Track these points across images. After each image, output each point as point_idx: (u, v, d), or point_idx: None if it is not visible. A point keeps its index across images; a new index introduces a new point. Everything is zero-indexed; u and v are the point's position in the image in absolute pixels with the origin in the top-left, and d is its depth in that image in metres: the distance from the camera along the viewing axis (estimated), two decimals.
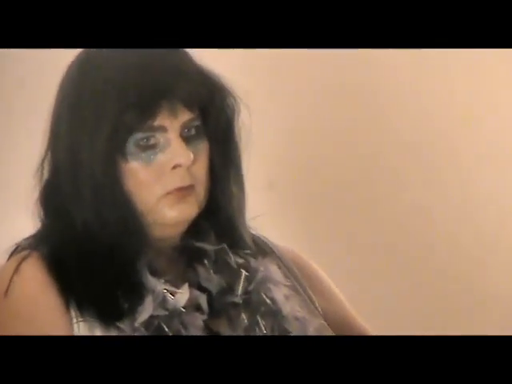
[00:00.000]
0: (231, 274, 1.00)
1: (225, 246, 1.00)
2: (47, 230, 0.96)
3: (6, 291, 0.89)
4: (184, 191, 0.95)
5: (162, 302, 0.91)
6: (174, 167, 0.93)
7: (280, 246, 1.14)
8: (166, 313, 0.91)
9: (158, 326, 0.90)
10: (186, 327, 0.92)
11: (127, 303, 0.90)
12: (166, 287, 0.92)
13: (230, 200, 1.02)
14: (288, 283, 1.03)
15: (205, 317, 0.95)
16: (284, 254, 1.12)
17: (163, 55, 0.97)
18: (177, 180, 0.94)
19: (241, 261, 1.01)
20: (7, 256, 0.97)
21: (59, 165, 0.96)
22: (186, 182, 0.95)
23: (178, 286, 0.93)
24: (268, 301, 0.99)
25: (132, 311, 0.89)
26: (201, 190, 0.97)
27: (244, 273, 1.00)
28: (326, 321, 1.06)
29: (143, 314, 0.89)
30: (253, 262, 1.02)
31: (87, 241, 0.93)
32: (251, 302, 0.99)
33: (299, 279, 1.09)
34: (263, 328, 0.98)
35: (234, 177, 1.02)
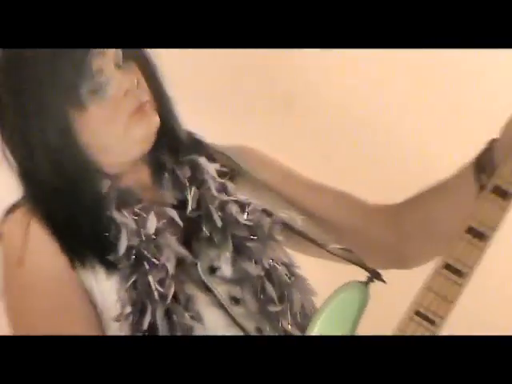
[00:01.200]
0: (182, 189, 1.08)
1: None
2: (26, 193, 1.04)
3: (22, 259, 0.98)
4: (143, 107, 1.02)
5: (135, 232, 0.98)
6: (125, 94, 1.00)
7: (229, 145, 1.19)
8: (142, 239, 0.97)
9: (138, 253, 0.97)
10: (161, 249, 0.98)
11: (108, 239, 0.98)
12: (135, 217, 0.99)
13: (170, 109, 1.11)
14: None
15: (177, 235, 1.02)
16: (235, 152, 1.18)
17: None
18: (134, 100, 1.01)
19: (189, 174, 1.09)
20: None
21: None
22: (144, 98, 1.03)
23: (151, 208, 1.01)
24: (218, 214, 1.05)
25: (115, 245, 0.97)
26: (153, 104, 1.05)
27: (194, 189, 1.06)
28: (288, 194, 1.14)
29: (122, 245, 0.97)
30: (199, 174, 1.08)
31: (57, 195, 1.01)
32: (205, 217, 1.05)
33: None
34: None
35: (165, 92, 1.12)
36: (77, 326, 0.97)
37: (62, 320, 0.98)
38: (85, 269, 0.99)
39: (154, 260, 0.97)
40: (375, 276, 0.98)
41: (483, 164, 0.96)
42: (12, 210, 1.04)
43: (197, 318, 0.99)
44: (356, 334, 0.98)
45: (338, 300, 0.95)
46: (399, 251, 1.14)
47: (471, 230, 0.86)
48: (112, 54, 1.01)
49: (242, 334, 1.00)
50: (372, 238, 1.15)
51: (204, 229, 1.04)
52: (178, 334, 0.97)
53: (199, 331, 0.97)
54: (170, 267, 0.97)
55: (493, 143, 0.96)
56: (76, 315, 0.98)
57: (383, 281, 0.98)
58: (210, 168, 1.09)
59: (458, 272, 0.87)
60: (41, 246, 0.99)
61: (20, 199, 1.05)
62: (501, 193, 0.86)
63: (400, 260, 1.14)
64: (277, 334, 1.04)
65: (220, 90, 1.85)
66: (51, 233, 0.99)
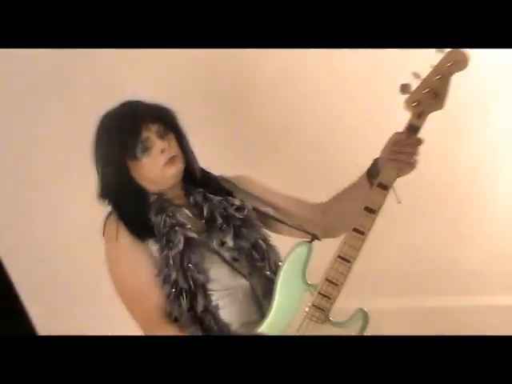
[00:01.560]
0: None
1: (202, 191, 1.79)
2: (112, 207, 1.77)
3: (116, 238, 1.67)
4: (172, 159, 1.70)
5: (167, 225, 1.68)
6: (162, 151, 1.68)
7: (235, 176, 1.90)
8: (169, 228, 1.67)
9: (167, 236, 1.66)
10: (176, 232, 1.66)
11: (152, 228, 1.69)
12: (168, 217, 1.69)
13: (193, 161, 1.81)
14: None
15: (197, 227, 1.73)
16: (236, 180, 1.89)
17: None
18: (167, 155, 1.69)
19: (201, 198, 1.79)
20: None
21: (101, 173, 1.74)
22: (171, 154, 1.70)
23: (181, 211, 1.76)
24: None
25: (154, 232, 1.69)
26: (180, 157, 1.74)
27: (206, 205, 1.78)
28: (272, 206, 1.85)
29: (159, 232, 1.68)
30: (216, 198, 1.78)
31: (125, 205, 1.73)
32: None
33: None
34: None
35: (190, 149, 1.81)
36: (148, 276, 1.65)
37: (141, 272, 1.65)
38: (144, 242, 1.69)
39: (173, 240, 1.66)
40: (315, 237, 1.66)
41: (372, 172, 1.67)
42: (109, 214, 1.76)
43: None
44: (352, 335, 1.56)
45: (294, 252, 1.62)
46: (328, 227, 1.83)
47: (367, 208, 1.55)
48: (155, 128, 1.71)
49: (241, 278, 1.69)
50: (312, 220, 1.82)
51: (217, 222, 1.74)
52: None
53: (213, 274, 1.65)
54: (181, 244, 1.65)
55: (377, 160, 1.68)
56: (148, 270, 1.66)
57: (319, 239, 1.67)
58: (215, 197, 1.79)
59: (360, 232, 1.55)
60: (122, 231, 1.69)
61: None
62: (382, 186, 1.57)
63: (329, 232, 1.80)
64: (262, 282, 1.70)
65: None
66: (124, 224, 1.70)
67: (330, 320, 1.57)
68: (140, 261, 1.69)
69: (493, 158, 3.01)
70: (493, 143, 2.99)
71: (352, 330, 1.56)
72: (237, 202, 1.78)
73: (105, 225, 1.75)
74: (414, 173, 1.64)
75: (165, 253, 1.66)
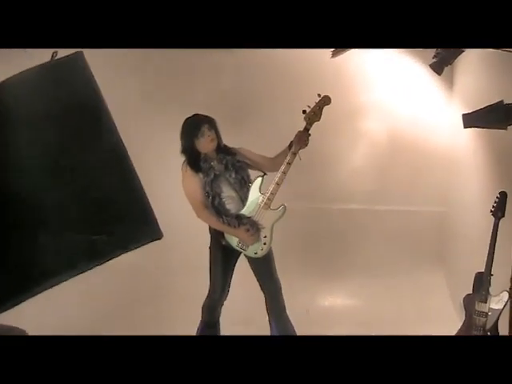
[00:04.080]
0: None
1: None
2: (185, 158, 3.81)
3: (186, 171, 3.76)
4: (212, 140, 3.72)
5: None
6: (208, 136, 3.75)
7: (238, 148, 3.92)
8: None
9: (208, 170, 3.74)
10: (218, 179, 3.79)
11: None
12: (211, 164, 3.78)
13: (221, 142, 3.81)
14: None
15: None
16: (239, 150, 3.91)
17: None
18: (210, 138, 3.74)
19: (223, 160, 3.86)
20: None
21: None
22: (212, 137, 3.72)
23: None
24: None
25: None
26: (215, 139, 3.77)
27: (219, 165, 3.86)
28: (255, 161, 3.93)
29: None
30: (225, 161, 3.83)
31: (190, 158, 3.78)
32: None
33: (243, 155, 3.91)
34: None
35: (220, 137, 3.84)
36: (198, 188, 3.75)
37: (194, 186, 3.71)
38: (197, 174, 3.76)
39: (209, 173, 3.75)
40: (264, 173, 3.85)
41: (290, 146, 3.76)
42: (184, 162, 3.75)
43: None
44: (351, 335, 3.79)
45: (256, 181, 3.81)
46: (272, 169, 3.82)
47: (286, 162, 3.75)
48: (207, 126, 3.70)
49: (235, 192, 3.88)
50: (267, 165, 3.92)
51: (229, 166, 3.79)
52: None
53: (224, 191, 3.81)
54: (212, 176, 3.74)
55: (291, 141, 3.78)
56: (197, 185, 3.74)
57: (266, 174, 3.85)
58: (227, 156, 3.80)
59: (283, 172, 3.73)
60: (188, 168, 3.74)
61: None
62: (293, 153, 3.75)
63: (272, 170, 3.79)
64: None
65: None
66: (189, 164, 3.74)
67: (270, 208, 3.76)
68: (194, 180, 3.71)
69: None
70: None
71: (279, 214, 3.75)
72: (237, 158, 3.84)
73: (182, 166, 3.75)
74: None
75: (205, 179, 3.75)
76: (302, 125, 3.81)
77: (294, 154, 3.67)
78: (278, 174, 3.71)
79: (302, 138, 3.68)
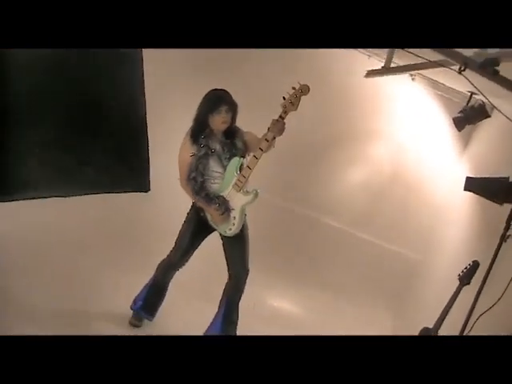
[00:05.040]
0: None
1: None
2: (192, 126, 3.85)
3: (186, 137, 3.81)
4: (225, 121, 3.73)
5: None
6: (223, 117, 3.72)
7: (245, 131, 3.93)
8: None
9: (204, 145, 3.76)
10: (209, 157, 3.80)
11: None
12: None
13: (233, 124, 3.82)
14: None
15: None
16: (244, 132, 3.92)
17: None
18: (223, 119, 3.73)
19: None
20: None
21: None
22: (226, 119, 3.74)
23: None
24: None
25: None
26: (228, 122, 3.77)
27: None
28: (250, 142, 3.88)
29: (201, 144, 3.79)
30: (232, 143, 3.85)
31: (195, 128, 3.81)
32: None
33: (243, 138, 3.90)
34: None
35: (234, 121, 3.86)
36: (189, 156, 3.78)
37: (187, 152, 3.75)
38: (193, 144, 3.77)
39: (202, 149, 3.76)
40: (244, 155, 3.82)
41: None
42: (188, 131, 3.79)
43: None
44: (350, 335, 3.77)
45: (233, 160, 3.78)
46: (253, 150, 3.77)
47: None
48: (226, 107, 3.67)
49: (223, 168, 3.88)
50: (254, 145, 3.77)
51: (228, 145, 3.81)
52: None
53: (211, 166, 3.83)
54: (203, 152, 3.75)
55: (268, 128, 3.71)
56: (190, 153, 3.76)
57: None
58: (228, 143, 3.82)
59: (260, 149, 3.64)
60: (188, 137, 3.78)
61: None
62: (265, 137, 3.77)
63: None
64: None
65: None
66: (191, 133, 3.78)
67: (242, 190, 3.76)
68: (188, 150, 3.75)
69: None
70: None
71: (249, 197, 3.75)
72: (238, 144, 3.83)
73: (187, 132, 3.79)
74: None
75: (197, 153, 3.75)
76: None
77: (267, 140, 3.60)
78: (249, 158, 3.73)
79: (277, 126, 3.59)
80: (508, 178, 3.39)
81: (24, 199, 3.07)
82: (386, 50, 5.02)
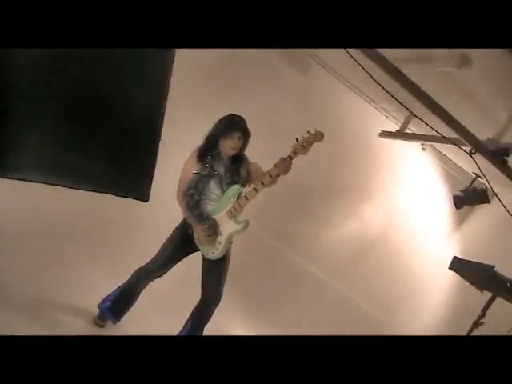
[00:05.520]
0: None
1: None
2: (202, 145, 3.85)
3: (192, 156, 3.81)
4: (234, 148, 3.73)
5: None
6: (233, 144, 3.73)
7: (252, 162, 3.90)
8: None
9: (209, 166, 3.77)
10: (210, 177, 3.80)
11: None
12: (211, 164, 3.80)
13: (242, 153, 3.85)
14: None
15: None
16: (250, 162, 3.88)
17: None
18: (234, 146, 3.73)
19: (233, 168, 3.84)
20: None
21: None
22: (236, 147, 3.75)
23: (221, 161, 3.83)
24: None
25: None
26: (238, 150, 3.76)
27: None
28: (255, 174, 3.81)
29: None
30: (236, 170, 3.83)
31: (203, 148, 3.81)
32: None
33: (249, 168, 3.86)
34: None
35: (244, 149, 3.86)
36: (191, 173, 3.81)
37: (190, 170, 3.77)
38: (198, 163, 3.78)
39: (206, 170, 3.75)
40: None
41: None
42: (196, 149, 3.80)
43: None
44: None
45: (232, 187, 3.76)
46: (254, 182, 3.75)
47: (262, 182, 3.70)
48: (238, 134, 3.72)
49: (221, 191, 3.89)
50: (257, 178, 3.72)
51: (230, 171, 3.79)
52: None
53: (211, 188, 3.88)
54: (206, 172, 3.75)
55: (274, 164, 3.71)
56: (192, 170, 3.76)
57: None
58: (233, 169, 3.81)
59: (262, 183, 3.64)
60: (195, 155, 3.76)
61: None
62: (273, 176, 3.78)
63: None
64: None
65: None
66: (199, 152, 3.77)
67: (234, 217, 3.78)
68: (192, 166, 3.74)
69: None
70: None
71: (240, 226, 3.76)
72: (242, 173, 3.80)
73: (193, 152, 3.80)
74: None
75: (200, 171, 3.77)
76: None
77: (270, 176, 3.61)
78: (249, 189, 3.74)
79: (284, 165, 3.59)
80: (493, 266, 3.43)
81: (27, 180, 3.07)
82: (404, 115, 5.11)
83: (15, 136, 2.96)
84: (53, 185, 3.07)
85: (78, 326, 3.86)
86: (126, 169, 3.23)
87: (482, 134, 3.58)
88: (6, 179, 2.97)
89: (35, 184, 3.09)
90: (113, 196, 3.28)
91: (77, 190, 3.16)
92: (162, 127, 3.23)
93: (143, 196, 3.32)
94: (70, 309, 3.97)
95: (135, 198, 3.33)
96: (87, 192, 3.21)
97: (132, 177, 3.28)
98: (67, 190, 3.14)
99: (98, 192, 3.17)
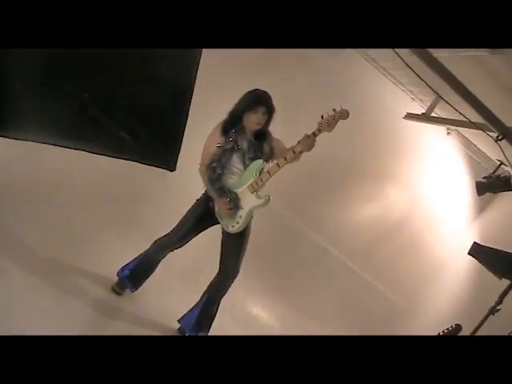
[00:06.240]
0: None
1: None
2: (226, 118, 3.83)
3: (216, 128, 3.83)
4: (259, 123, 3.70)
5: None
6: (257, 118, 3.70)
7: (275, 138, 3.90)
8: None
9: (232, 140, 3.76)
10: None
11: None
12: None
13: (266, 128, 3.80)
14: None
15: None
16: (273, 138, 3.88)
17: None
18: (258, 120, 3.71)
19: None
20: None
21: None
22: (261, 121, 3.71)
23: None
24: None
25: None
26: (262, 124, 3.72)
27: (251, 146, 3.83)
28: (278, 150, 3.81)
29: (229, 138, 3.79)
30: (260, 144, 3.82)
31: (228, 121, 3.78)
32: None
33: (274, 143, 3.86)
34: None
35: (269, 125, 3.81)
36: (215, 145, 3.81)
37: (213, 142, 3.78)
38: (222, 136, 3.77)
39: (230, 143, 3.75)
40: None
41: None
42: (221, 122, 3.78)
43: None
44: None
45: (255, 162, 3.77)
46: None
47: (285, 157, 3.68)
48: (264, 109, 3.67)
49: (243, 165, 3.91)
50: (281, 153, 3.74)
51: (255, 145, 3.81)
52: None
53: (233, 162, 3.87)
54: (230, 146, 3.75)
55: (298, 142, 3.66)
56: (216, 142, 3.78)
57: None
58: (256, 144, 3.81)
59: (285, 159, 3.64)
60: (219, 128, 3.75)
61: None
62: (293, 149, 3.80)
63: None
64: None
65: None
66: (223, 125, 3.76)
67: (256, 192, 3.78)
68: (216, 139, 3.75)
69: None
70: None
71: (261, 201, 3.77)
72: (265, 148, 3.81)
73: (217, 126, 3.80)
74: None
75: (223, 145, 3.79)
76: None
77: (294, 152, 3.59)
78: (271, 164, 3.75)
79: (308, 142, 3.56)
80: None
81: (49, 144, 3.10)
82: (430, 98, 5.05)
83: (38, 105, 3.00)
84: (76, 149, 3.10)
85: (98, 292, 3.93)
86: (154, 138, 3.24)
87: (510, 120, 3.54)
88: (30, 142, 3.01)
89: (59, 149, 3.14)
90: (135, 163, 3.29)
91: (100, 156, 3.19)
92: (190, 101, 3.23)
93: (170, 165, 3.32)
94: (90, 275, 4.03)
95: (163, 167, 3.33)
96: (109, 158, 3.23)
97: (160, 146, 3.28)
98: (91, 155, 3.16)
99: (123, 159, 3.19)
